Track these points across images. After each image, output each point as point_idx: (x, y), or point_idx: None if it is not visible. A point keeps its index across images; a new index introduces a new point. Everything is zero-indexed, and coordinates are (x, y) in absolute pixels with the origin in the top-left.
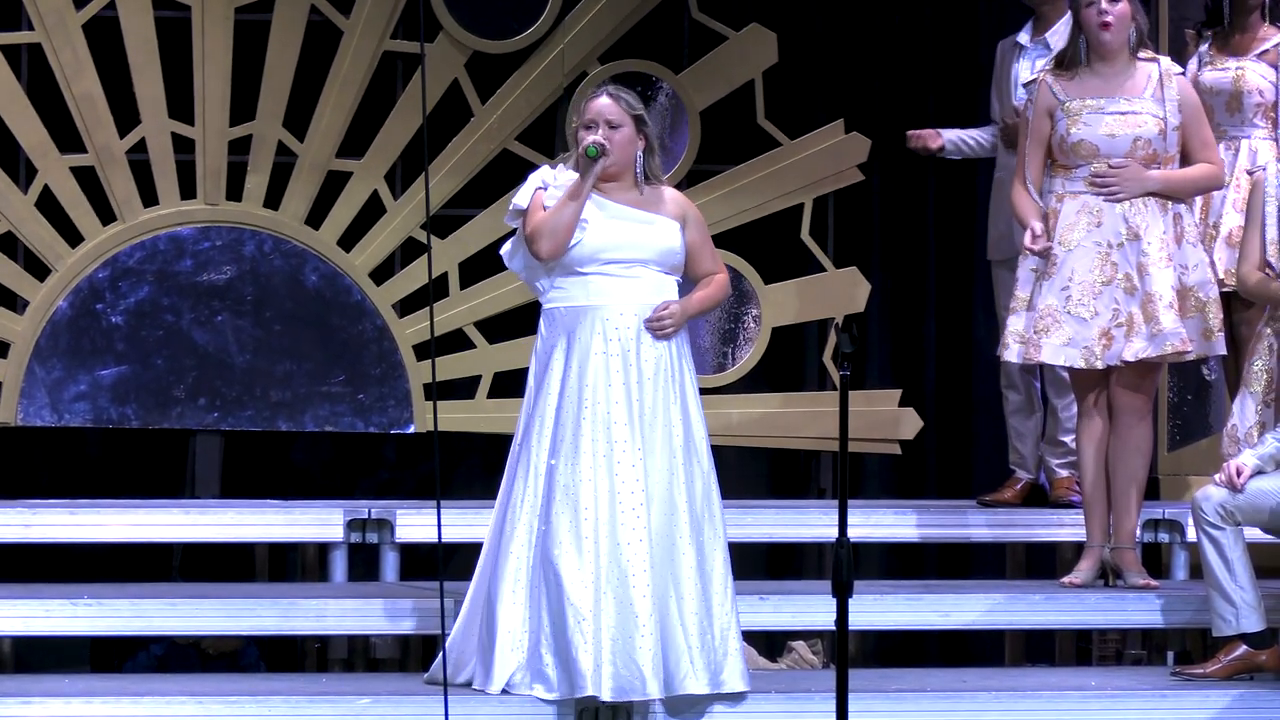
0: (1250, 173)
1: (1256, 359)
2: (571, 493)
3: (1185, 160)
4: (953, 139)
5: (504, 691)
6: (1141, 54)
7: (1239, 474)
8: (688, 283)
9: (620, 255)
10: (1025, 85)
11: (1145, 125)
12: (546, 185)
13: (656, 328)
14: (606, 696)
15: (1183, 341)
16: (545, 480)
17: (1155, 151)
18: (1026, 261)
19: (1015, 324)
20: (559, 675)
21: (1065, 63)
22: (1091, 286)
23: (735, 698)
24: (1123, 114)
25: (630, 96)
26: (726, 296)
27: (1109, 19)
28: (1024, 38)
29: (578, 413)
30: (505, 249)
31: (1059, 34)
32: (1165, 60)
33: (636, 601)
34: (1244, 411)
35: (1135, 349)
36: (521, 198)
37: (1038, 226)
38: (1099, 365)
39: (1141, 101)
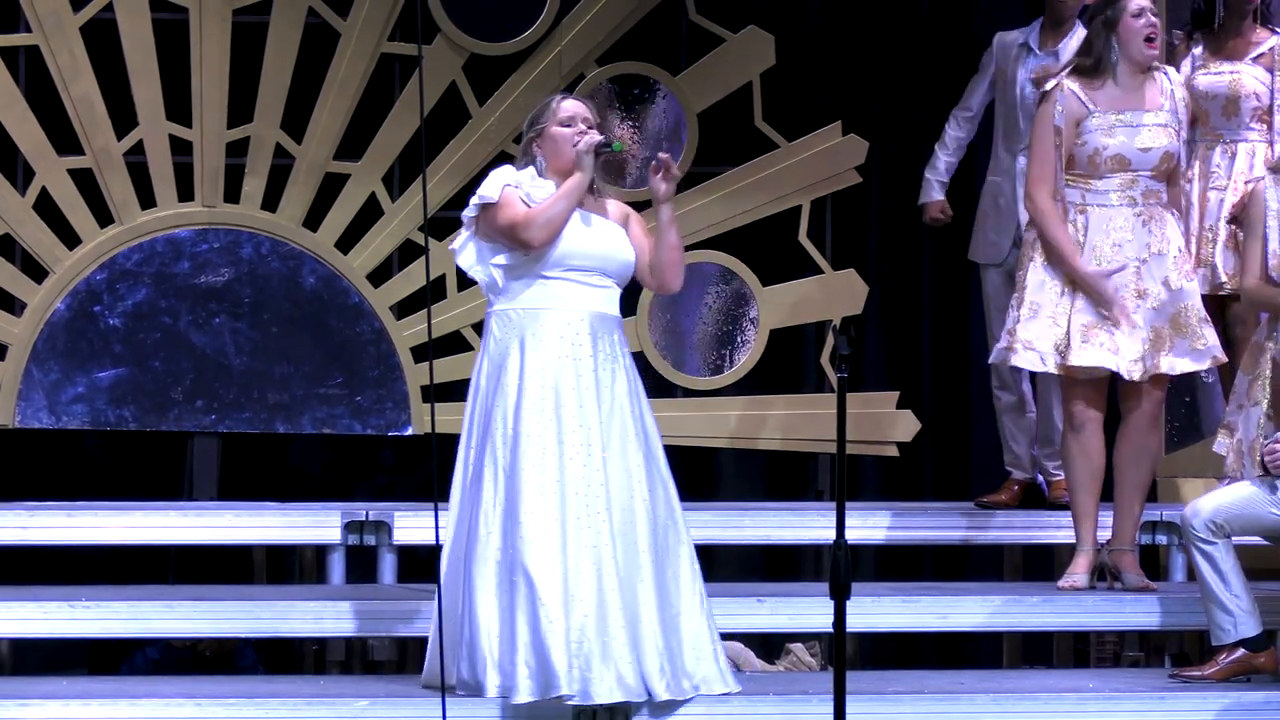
0: (1248, 182)
1: (1260, 374)
2: (538, 495)
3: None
4: (943, 177)
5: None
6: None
7: None
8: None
9: (584, 262)
10: (1036, 84)
11: (1171, 139)
12: (519, 184)
13: (666, 176)
14: (576, 696)
15: (1221, 352)
16: (507, 483)
17: (1177, 163)
18: (1034, 266)
19: (1030, 329)
20: (533, 677)
21: (1092, 71)
22: (1131, 300)
23: (722, 698)
24: (1148, 127)
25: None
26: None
27: (1157, 33)
28: (1033, 42)
29: (539, 416)
30: (456, 244)
31: (1068, 47)
32: (1170, 69)
33: (609, 604)
34: (1249, 426)
35: (1172, 362)
36: (490, 190)
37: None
38: (1137, 378)
39: (1161, 114)
